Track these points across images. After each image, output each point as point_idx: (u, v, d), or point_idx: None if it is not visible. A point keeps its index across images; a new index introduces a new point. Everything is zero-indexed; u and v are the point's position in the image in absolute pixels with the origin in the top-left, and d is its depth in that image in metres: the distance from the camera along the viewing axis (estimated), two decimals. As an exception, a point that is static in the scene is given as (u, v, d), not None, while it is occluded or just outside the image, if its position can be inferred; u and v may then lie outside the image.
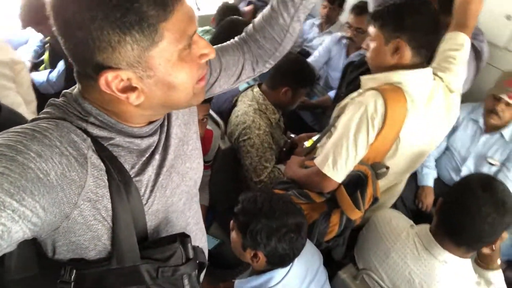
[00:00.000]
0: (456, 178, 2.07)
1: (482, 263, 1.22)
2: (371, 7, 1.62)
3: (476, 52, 1.63)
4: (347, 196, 1.23)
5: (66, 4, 0.53)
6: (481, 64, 1.65)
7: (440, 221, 1.17)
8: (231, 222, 1.18)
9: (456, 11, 1.26)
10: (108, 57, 0.54)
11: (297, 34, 0.91)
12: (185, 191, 0.81)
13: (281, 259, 1.14)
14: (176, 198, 0.78)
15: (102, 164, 0.62)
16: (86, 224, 0.62)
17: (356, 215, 1.24)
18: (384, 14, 1.20)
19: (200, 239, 0.93)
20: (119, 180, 0.64)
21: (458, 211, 1.10)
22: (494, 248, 1.15)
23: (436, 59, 1.32)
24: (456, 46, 1.28)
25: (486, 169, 1.93)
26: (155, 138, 0.71)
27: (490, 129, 1.93)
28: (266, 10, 0.88)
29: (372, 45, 1.24)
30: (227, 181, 1.92)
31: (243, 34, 0.93)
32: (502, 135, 1.89)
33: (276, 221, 1.10)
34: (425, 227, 1.23)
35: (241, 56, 0.90)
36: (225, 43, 0.92)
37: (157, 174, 0.71)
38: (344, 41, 2.53)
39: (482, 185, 1.08)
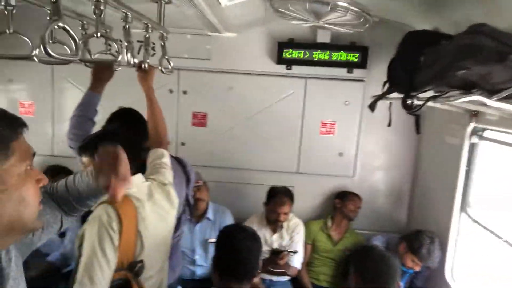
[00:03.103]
0: (194, 269, 2.42)
1: None
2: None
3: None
4: None
5: None
6: None
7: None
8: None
9: (151, 136, 1.73)
10: None
11: None
12: None
13: None
14: None
15: None
16: None
17: None
18: (89, 146, 1.43)
19: None
20: None
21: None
22: None
23: (148, 169, 1.67)
24: (158, 157, 1.69)
25: (211, 248, 2.37)
26: None
27: (198, 218, 2.44)
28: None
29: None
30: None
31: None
32: (208, 218, 2.44)
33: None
34: None
35: (58, 211, 0.99)
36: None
37: None
38: None
39: (238, 229, 1.60)
